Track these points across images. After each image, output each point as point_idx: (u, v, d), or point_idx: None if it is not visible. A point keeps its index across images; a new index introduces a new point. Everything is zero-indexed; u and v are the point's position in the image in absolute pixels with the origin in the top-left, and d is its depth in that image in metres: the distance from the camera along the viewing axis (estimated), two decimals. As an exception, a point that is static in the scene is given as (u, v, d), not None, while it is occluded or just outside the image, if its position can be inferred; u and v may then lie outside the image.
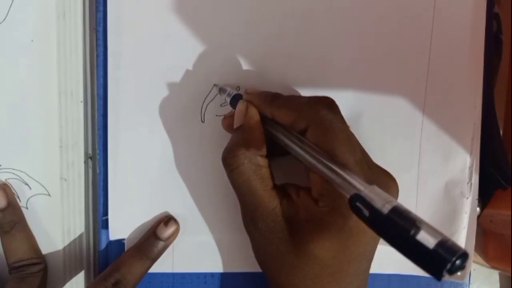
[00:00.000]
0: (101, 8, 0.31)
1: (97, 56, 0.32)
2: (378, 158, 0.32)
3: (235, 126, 0.29)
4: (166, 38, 0.31)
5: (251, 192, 0.27)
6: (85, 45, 0.32)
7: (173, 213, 0.32)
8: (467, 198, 0.32)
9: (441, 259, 0.17)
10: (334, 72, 0.32)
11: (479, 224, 0.33)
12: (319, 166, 0.25)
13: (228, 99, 0.30)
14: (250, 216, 0.27)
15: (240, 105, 0.29)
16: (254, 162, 0.27)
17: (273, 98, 0.28)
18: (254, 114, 0.28)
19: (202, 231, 0.33)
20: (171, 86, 0.32)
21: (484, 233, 0.36)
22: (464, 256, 0.17)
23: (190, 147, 0.32)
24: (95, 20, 0.31)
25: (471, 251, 0.32)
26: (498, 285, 0.39)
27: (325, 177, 0.24)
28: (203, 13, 0.31)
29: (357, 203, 0.21)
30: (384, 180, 0.27)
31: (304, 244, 0.26)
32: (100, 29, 0.31)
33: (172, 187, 0.32)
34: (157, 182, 0.32)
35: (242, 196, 0.27)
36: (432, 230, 0.18)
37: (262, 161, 0.27)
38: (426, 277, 0.34)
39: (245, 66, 0.32)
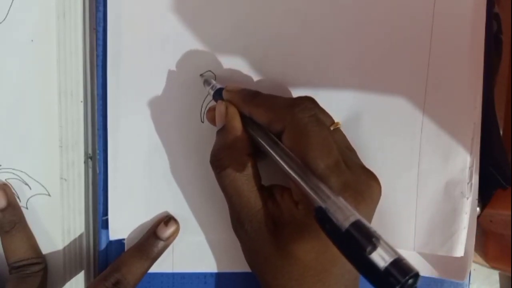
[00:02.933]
0: (101, 8, 0.31)
1: (97, 56, 0.32)
2: (378, 158, 0.32)
3: (217, 126, 0.29)
4: (166, 38, 0.31)
5: (237, 193, 0.27)
6: (85, 45, 0.32)
7: (173, 213, 0.32)
8: (467, 198, 0.32)
9: (392, 278, 0.18)
10: (333, 72, 0.32)
11: (479, 224, 0.33)
12: (291, 172, 0.24)
13: (212, 92, 0.30)
14: (237, 217, 0.28)
15: (220, 106, 0.28)
16: (239, 163, 0.27)
17: (253, 97, 0.28)
18: (234, 114, 0.28)
19: (202, 231, 0.33)
20: (171, 86, 0.32)
21: (484, 233, 0.36)
22: (416, 276, 0.18)
23: (189, 147, 0.32)
24: (95, 20, 0.31)
25: (471, 251, 0.32)
26: (498, 285, 0.39)
27: (296, 184, 0.24)
28: (203, 13, 0.31)
29: (320, 215, 0.21)
30: (365, 180, 0.26)
31: (287, 245, 0.26)
32: (100, 29, 0.31)
33: (172, 187, 0.32)
34: (157, 182, 0.32)
35: (229, 197, 0.28)
36: (389, 248, 0.18)
37: (248, 161, 0.27)
38: (426, 277, 0.34)
39: (245, 66, 0.32)
